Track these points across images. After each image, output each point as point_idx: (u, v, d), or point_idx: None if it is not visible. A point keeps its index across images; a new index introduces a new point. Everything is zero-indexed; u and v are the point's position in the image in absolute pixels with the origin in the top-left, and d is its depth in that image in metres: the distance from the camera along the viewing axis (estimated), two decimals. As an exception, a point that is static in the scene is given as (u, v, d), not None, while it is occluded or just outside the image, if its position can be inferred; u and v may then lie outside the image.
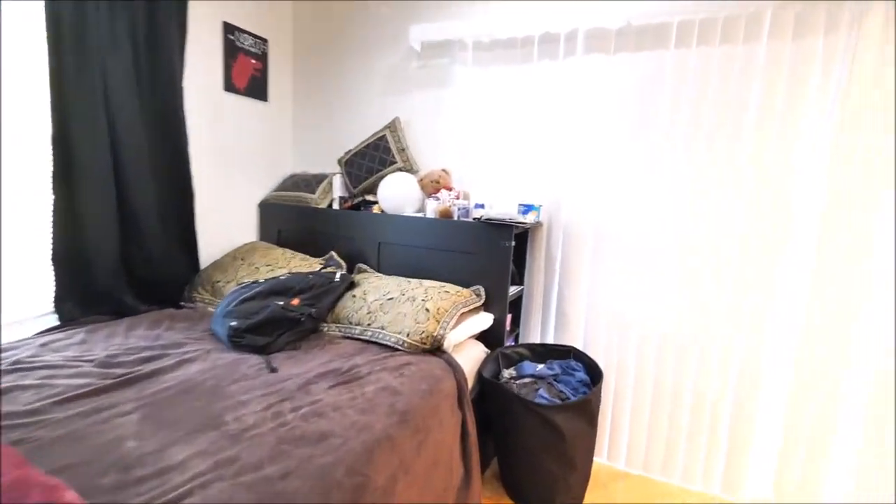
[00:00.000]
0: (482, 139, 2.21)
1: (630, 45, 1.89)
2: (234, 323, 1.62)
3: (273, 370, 1.47)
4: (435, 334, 1.65)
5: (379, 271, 2.17)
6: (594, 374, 1.84)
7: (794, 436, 1.76)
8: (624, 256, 1.99)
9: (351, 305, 1.84)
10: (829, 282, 1.66)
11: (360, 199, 2.39)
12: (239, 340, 1.60)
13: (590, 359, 1.89)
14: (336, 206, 2.40)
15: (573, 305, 2.11)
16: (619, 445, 2.08)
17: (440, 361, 1.62)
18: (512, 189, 2.16)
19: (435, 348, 1.67)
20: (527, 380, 1.85)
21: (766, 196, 1.73)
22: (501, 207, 2.13)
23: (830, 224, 1.64)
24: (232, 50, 2.31)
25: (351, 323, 1.80)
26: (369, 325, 1.75)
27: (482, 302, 1.95)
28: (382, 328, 1.72)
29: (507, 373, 1.90)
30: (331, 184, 2.45)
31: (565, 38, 1.99)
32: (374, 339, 1.72)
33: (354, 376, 1.45)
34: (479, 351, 1.91)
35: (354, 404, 1.28)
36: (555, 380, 1.85)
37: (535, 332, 2.19)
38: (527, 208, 2.05)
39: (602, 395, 1.88)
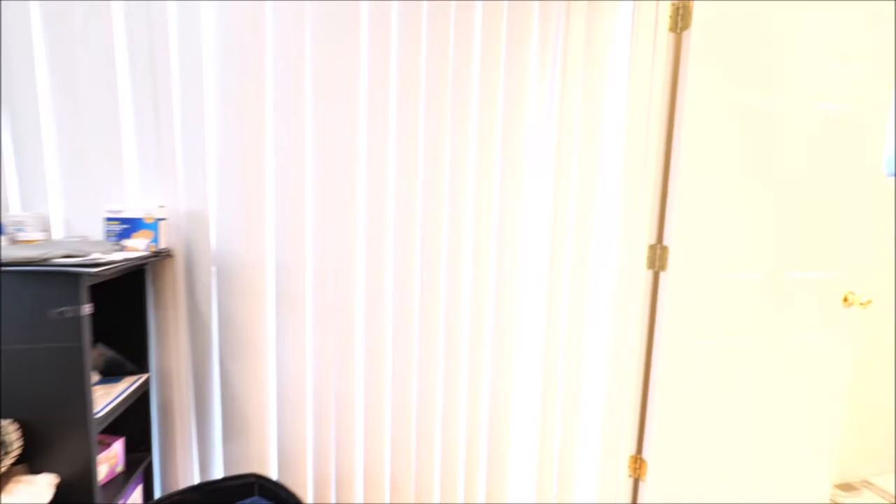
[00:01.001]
0: None
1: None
2: None
3: None
4: None
5: None
6: (297, 517, 1.02)
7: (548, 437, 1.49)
8: (332, 284, 1.24)
9: None
10: (561, 281, 1.41)
11: None
12: None
13: (286, 491, 1.05)
14: None
15: (251, 386, 1.21)
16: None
17: None
18: (88, 183, 1.06)
19: None
20: (155, 593, 0.86)
21: (508, 185, 1.34)
22: (63, 227, 1.01)
23: (560, 216, 1.38)
24: None
25: None
26: None
27: (16, 453, 0.81)
28: None
29: None
30: None
31: None
32: None
33: None
34: None
35: None
36: (222, 559, 0.94)
37: (186, 452, 1.18)
38: (129, 225, 1.01)
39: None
